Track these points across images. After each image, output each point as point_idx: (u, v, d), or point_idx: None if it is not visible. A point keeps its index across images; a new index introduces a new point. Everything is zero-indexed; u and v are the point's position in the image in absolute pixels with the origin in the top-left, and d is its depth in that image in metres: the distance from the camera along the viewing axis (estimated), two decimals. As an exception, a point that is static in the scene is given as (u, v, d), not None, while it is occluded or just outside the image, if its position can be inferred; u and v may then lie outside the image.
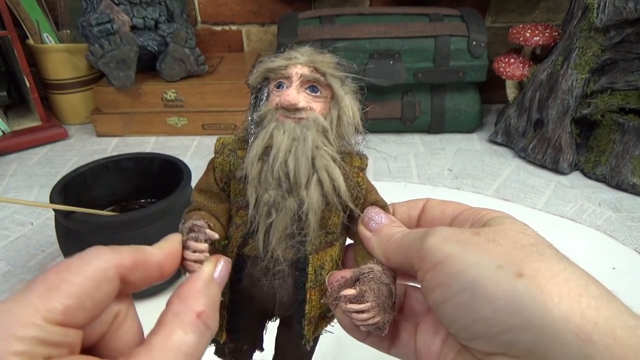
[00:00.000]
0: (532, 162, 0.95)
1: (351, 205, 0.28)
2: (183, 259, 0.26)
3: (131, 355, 0.20)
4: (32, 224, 0.79)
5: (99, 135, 1.10)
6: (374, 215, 0.28)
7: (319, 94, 0.28)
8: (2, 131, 1.04)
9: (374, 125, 1.03)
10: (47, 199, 0.58)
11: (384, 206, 0.30)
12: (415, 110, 1.04)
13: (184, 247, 0.26)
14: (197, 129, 1.09)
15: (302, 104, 0.27)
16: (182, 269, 0.26)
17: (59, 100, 1.14)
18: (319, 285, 0.29)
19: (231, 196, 0.29)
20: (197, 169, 0.93)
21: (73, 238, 0.58)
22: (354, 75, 0.29)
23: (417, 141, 1.05)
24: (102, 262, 0.21)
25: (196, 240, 0.26)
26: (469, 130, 1.07)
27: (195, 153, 1.02)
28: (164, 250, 0.25)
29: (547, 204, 0.82)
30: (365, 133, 0.29)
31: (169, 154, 0.68)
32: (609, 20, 0.79)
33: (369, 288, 0.26)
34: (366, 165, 0.29)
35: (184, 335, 0.21)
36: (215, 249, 0.28)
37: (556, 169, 0.91)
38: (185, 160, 0.97)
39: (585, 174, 0.91)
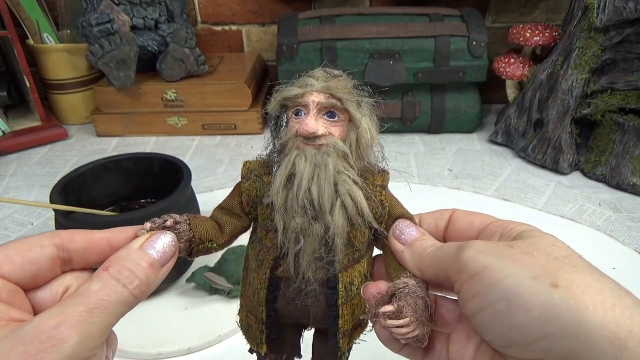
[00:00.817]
0: (532, 162, 0.95)
1: (375, 225, 0.29)
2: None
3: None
4: (32, 224, 0.79)
5: (99, 135, 1.10)
6: (405, 228, 0.29)
7: (336, 118, 0.28)
8: (2, 131, 1.04)
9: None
10: (47, 199, 0.58)
11: (410, 218, 0.31)
12: (415, 110, 1.04)
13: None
14: (197, 129, 1.09)
15: (321, 131, 0.28)
16: None
17: (59, 100, 1.14)
18: (350, 301, 0.30)
19: (259, 220, 0.31)
20: (197, 168, 0.94)
21: None
22: (370, 98, 0.30)
23: (417, 141, 1.05)
24: (38, 236, 0.25)
25: (154, 222, 0.29)
26: (469, 130, 1.07)
27: (195, 153, 1.02)
28: (114, 230, 0.28)
29: (547, 204, 0.82)
30: (382, 149, 0.30)
31: (169, 154, 0.68)
32: (609, 20, 0.79)
33: (406, 303, 0.26)
34: (388, 181, 0.30)
35: (89, 285, 0.24)
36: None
37: (556, 169, 0.91)
38: (185, 160, 0.98)
39: (585, 174, 0.91)
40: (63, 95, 1.13)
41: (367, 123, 0.29)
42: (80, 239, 0.27)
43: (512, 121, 0.99)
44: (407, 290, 0.27)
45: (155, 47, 1.06)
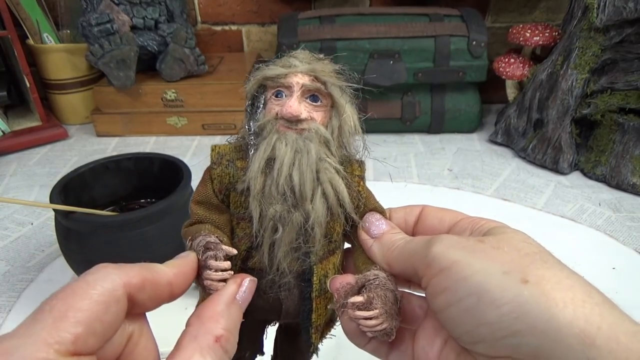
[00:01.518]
0: (532, 162, 0.95)
1: (353, 215, 0.28)
2: (200, 278, 0.25)
3: None
4: (32, 224, 0.79)
5: (99, 135, 1.10)
6: (375, 221, 0.29)
7: (319, 103, 0.27)
8: (2, 131, 1.04)
9: (374, 125, 1.03)
10: (47, 199, 0.58)
11: (382, 212, 0.30)
12: (415, 110, 1.04)
13: (203, 266, 0.26)
14: (197, 129, 1.09)
15: (304, 115, 0.26)
16: (201, 289, 0.26)
17: (59, 100, 1.14)
18: (324, 294, 0.29)
19: (231, 208, 0.29)
20: (197, 168, 0.93)
21: (73, 238, 0.58)
22: (354, 84, 0.28)
23: (417, 141, 1.05)
24: (109, 283, 0.20)
25: (216, 258, 0.26)
26: (469, 130, 1.07)
27: (195, 153, 1.02)
28: (175, 269, 0.24)
29: (547, 204, 0.82)
30: (365, 140, 0.29)
31: (168, 154, 0.68)
32: (609, 20, 0.79)
33: (376, 295, 0.26)
34: (364, 171, 0.29)
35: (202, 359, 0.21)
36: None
37: (556, 169, 0.91)
38: (185, 160, 0.97)
39: (585, 174, 0.91)
40: (63, 95, 1.13)
41: (350, 110, 0.28)
42: (149, 287, 0.22)
43: (512, 121, 0.99)
44: (377, 282, 0.26)
45: (155, 47, 1.06)
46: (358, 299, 0.26)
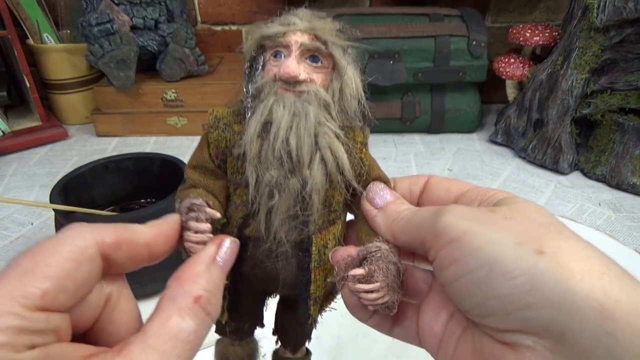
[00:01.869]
0: (532, 162, 0.95)
1: (354, 184, 0.27)
2: (182, 240, 0.25)
3: (126, 343, 0.19)
4: (32, 224, 0.79)
5: (99, 135, 1.10)
6: (379, 191, 0.27)
7: (319, 64, 0.26)
8: (2, 131, 1.04)
9: (374, 125, 1.03)
10: (47, 199, 0.58)
11: (386, 181, 0.29)
12: (415, 110, 1.04)
13: (184, 227, 0.25)
14: (197, 129, 1.09)
15: (302, 76, 0.25)
16: (183, 251, 0.25)
17: (59, 100, 1.14)
18: (322, 265, 0.28)
19: (228, 174, 0.28)
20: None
21: None
22: (357, 44, 0.27)
23: (417, 141, 1.05)
24: (79, 240, 0.20)
25: (197, 220, 0.25)
26: (469, 130, 1.07)
27: (195, 153, 1.02)
28: (155, 229, 0.24)
29: (547, 204, 0.82)
30: (368, 104, 0.28)
31: (168, 154, 0.68)
32: (609, 20, 0.79)
33: (377, 267, 0.25)
34: (368, 138, 0.28)
35: (181, 320, 0.20)
36: (215, 229, 0.26)
37: (556, 169, 0.91)
38: (186, 160, 0.98)
39: (585, 174, 0.91)
40: (63, 95, 1.13)
41: (352, 72, 0.26)
42: (125, 247, 0.22)
43: (512, 121, 0.99)
44: (379, 255, 0.26)
45: (155, 47, 1.06)
46: (359, 271, 0.25)
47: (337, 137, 0.26)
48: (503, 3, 1.14)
